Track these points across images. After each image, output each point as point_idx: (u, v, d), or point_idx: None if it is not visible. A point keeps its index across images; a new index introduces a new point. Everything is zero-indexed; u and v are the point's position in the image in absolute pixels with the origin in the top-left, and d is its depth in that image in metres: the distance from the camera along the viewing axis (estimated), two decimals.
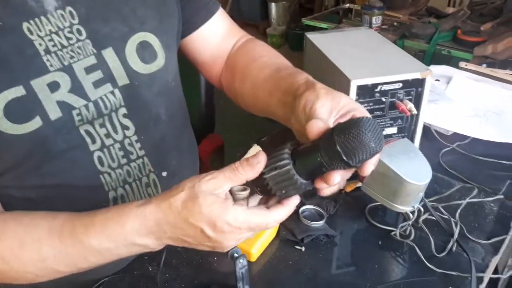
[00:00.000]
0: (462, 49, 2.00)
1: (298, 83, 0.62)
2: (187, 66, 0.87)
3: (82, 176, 0.68)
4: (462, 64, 1.45)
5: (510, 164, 0.97)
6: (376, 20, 2.10)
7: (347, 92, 0.80)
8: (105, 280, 0.72)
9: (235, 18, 1.09)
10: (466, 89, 1.21)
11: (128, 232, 0.53)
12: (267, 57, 0.77)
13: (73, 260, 0.56)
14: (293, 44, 3.51)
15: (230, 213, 0.50)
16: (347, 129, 0.48)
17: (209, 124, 1.53)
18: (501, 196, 0.87)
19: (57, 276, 0.59)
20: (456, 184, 0.92)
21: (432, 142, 1.04)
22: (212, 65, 0.84)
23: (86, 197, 0.68)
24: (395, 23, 2.20)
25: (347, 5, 2.74)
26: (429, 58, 1.98)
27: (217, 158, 1.86)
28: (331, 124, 0.53)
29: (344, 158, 0.48)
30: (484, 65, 1.50)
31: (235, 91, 0.80)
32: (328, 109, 0.54)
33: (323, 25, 2.39)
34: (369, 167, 0.51)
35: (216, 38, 0.83)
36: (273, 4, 3.62)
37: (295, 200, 0.54)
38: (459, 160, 1.00)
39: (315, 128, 0.51)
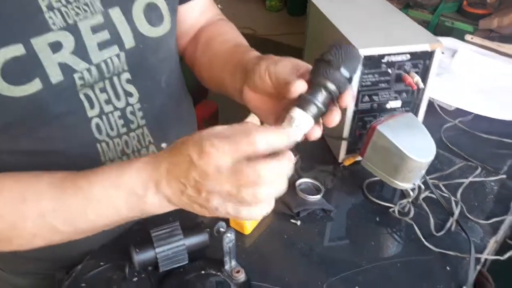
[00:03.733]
0: (466, 21, 1.95)
1: (251, 57, 0.64)
2: None
3: (78, 144, 0.64)
4: (468, 37, 1.41)
5: None
6: None
7: None
8: (94, 250, 0.70)
9: None
10: (472, 63, 1.17)
11: (128, 176, 0.50)
12: (230, 35, 0.79)
13: (72, 214, 0.53)
14: (292, 9, 3.41)
15: (216, 133, 0.46)
16: (330, 49, 0.52)
17: (203, 90, 1.48)
18: (503, 176, 0.84)
19: (54, 238, 0.55)
20: (457, 162, 0.90)
21: (434, 116, 1.01)
22: (183, 37, 0.82)
23: (81, 167, 0.64)
24: None
25: None
26: (432, 29, 1.93)
27: (211, 125, 1.83)
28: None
29: (341, 66, 0.51)
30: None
31: (194, 61, 0.80)
32: (290, 69, 0.56)
33: None
34: (348, 96, 0.53)
35: (196, 13, 0.81)
36: None
37: (296, 131, 0.51)
38: (460, 137, 0.98)
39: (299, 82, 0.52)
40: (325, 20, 0.87)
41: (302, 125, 0.51)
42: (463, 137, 0.98)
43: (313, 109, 0.51)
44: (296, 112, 0.51)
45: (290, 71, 0.56)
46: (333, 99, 0.53)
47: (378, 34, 0.80)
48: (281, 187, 0.46)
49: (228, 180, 0.44)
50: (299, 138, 0.52)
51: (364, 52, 0.75)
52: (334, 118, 0.53)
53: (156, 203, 0.50)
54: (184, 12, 0.77)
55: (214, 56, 0.74)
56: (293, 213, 0.75)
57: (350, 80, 0.52)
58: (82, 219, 0.53)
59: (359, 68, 0.53)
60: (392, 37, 0.79)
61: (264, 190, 0.45)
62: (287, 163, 0.46)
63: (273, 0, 3.50)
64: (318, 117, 0.52)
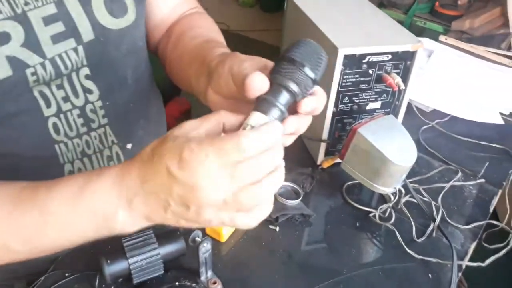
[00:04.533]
0: (438, 22, 1.97)
1: (215, 55, 0.57)
2: None
3: (33, 145, 0.59)
4: (442, 38, 1.41)
5: (489, 145, 0.94)
6: None
7: (333, 61, 0.73)
8: (59, 257, 0.65)
9: None
10: (448, 64, 1.17)
11: (91, 192, 0.43)
12: (204, 29, 0.71)
13: (28, 232, 0.46)
14: (265, 5, 3.38)
15: (195, 138, 0.40)
16: (294, 46, 0.46)
17: (175, 86, 1.43)
18: (482, 180, 0.84)
19: (5, 257, 0.48)
20: (436, 165, 0.89)
21: (412, 118, 1.00)
22: (154, 31, 0.75)
23: (37, 170, 0.59)
24: None
25: None
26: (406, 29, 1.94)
27: None
28: None
29: (305, 65, 0.45)
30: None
31: (165, 58, 0.73)
32: (256, 70, 0.48)
33: None
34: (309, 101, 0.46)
35: (169, 4, 0.75)
36: None
37: (277, 125, 0.43)
38: (438, 139, 0.97)
39: (258, 76, 0.44)
40: (304, 17, 0.84)
41: None
42: (441, 139, 0.97)
43: (275, 113, 0.44)
44: (256, 116, 0.43)
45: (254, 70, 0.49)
46: (296, 103, 0.46)
47: (359, 33, 0.78)
48: (281, 177, 0.42)
49: (221, 187, 0.38)
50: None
51: (345, 51, 0.72)
52: (301, 126, 0.48)
53: (128, 222, 0.43)
54: (155, 3, 0.73)
55: (183, 53, 0.68)
56: (271, 219, 0.72)
57: (315, 81, 0.46)
58: (41, 239, 0.46)
59: (325, 69, 0.48)
60: (373, 37, 0.77)
61: (265, 187, 0.40)
62: (280, 150, 0.42)
63: None
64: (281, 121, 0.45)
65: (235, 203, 0.39)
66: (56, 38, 0.55)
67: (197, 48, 0.64)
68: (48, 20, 0.54)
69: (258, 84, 0.43)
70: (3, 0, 0.50)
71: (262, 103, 0.44)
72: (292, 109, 0.46)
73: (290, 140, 0.49)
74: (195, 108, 2.05)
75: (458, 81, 1.12)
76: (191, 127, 0.42)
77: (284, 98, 0.45)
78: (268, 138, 0.40)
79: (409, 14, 1.96)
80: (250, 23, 3.14)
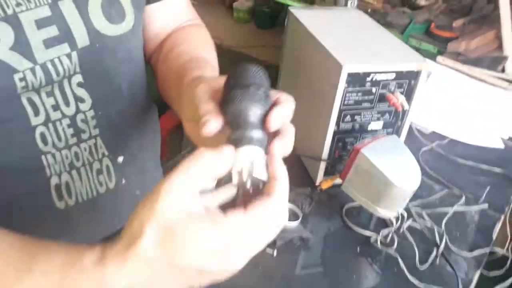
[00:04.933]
0: (433, 43, 1.97)
1: (189, 79, 0.53)
2: None
3: (18, 156, 0.55)
4: (440, 59, 1.40)
5: (489, 168, 0.92)
6: (352, 3, 2.02)
7: (336, 78, 0.71)
8: None
9: None
10: (446, 86, 1.16)
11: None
12: (192, 45, 0.68)
13: None
14: (260, 22, 3.38)
15: (219, 223, 0.35)
16: (244, 72, 0.42)
17: None
18: (485, 205, 0.81)
19: None
20: (436, 187, 0.86)
21: (412, 139, 0.98)
22: (150, 42, 0.71)
23: (22, 183, 0.55)
24: (369, 9, 2.12)
25: None
26: None
27: (175, 137, 1.73)
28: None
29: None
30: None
31: (156, 71, 0.70)
32: (203, 94, 0.45)
33: (295, 4, 2.28)
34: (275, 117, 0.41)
35: (167, 16, 0.71)
36: None
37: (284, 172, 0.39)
38: (438, 161, 0.95)
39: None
40: (306, 33, 0.81)
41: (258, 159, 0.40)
42: (441, 161, 0.95)
43: (256, 139, 0.40)
44: (243, 152, 0.39)
45: (203, 98, 0.44)
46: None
47: (363, 50, 0.76)
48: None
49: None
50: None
51: (349, 69, 0.70)
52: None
53: None
54: (153, 13, 0.69)
55: (169, 71, 0.64)
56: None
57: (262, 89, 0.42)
58: None
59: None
60: (378, 55, 0.75)
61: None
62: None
63: (240, 12, 3.45)
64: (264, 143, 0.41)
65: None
66: (49, 43, 0.52)
67: (180, 69, 0.61)
68: (41, 23, 0.51)
69: (213, 130, 0.41)
70: None
71: (239, 140, 0.40)
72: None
73: None
74: None
75: (457, 104, 1.11)
76: (187, 197, 0.36)
77: (252, 117, 0.41)
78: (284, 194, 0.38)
79: (405, 34, 1.96)
80: (244, 39, 3.13)
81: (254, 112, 0.41)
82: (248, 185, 0.39)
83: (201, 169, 0.37)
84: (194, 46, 0.68)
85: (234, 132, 0.40)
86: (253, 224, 0.36)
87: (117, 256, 0.35)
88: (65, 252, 0.38)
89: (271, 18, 3.42)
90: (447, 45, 1.78)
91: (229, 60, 0.63)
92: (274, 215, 0.37)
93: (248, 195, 0.39)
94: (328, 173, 0.82)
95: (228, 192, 0.39)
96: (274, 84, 1.01)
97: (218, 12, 3.55)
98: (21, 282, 0.37)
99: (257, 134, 0.40)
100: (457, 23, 2.01)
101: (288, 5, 2.28)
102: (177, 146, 1.73)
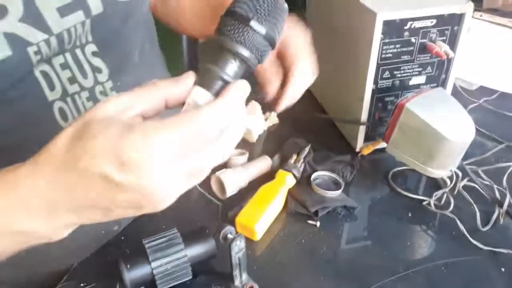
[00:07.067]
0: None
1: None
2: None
3: (39, 136, 0.51)
4: (477, 14, 1.30)
5: None
6: None
7: (370, 30, 0.64)
8: (73, 266, 0.57)
9: None
10: (488, 39, 1.07)
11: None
12: None
13: None
14: None
15: (137, 132, 0.31)
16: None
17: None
18: None
19: None
20: (489, 144, 0.79)
21: (457, 97, 0.89)
22: None
23: None
24: None
25: None
26: None
27: None
28: None
29: (250, 17, 0.35)
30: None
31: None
32: None
33: None
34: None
35: None
36: None
37: (236, 88, 0.35)
38: (488, 117, 0.87)
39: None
40: None
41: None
42: (490, 117, 0.87)
43: (218, 87, 0.36)
44: (200, 92, 0.35)
45: None
46: (251, 69, 0.38)
47: None
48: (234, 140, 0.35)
49: (179, 180, 0.32)
50: None
51: (384, 16, 0.63)
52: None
53: (55, 232, 0.35)
54: None
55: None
56: (310, 213, 0.63)
57: (268, 38, 0.37)
58: None
59: (283, 22, 0.38)
60: (414, 0, 0.68)
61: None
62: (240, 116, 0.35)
63: None
64: None
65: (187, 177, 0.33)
66: (65, 11, 0.48)
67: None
68: None
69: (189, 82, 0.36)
70: None
71: (206, 75, 0.35)
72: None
73: None
74: None
75: (502, 56, 1.02)
76: (123, 105, 0.33)
77: (231, 67, 0.36)
78: (233, 113, 0.34)
79: None
80: None
81: (240, 55, 0.36)
82: None
83: (145, 92, 0.34)
84: None
85: (207, 66, 0.36)
86: (171, 138, 0.31)
87: (32, 159, 0.34)
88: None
89: (289, 0, 3.36)
90: (482, 2, 1.67)
91: None
92: (194, 132, 0.32)
93: None
94: (368, 138, 0.75)
95: None
96: None
97: None
98: None
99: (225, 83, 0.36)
100: None
101: None
102: None
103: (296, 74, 0.55)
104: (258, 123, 0.63)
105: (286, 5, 0.38)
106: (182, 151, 0.31)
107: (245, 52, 0.36)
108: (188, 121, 0.32)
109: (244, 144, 0.68)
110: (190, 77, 0.35)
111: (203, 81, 0.35)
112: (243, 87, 0.35)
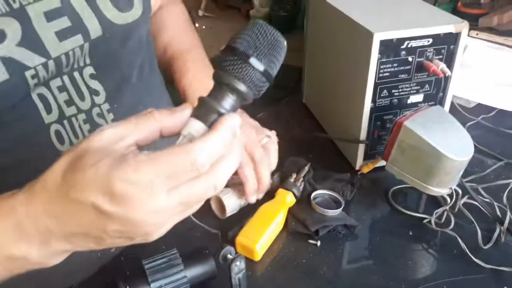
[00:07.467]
0: None
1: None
2: None
3: (36, 158, 0.51)
4: (473, 33, 1.32)
5: None
6: None
7: (368, 49, 0.65)
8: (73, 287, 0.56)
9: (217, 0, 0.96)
10: (485, 56, 1.08)
11: None
12: (172, 35, 0.72)
13: None
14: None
15: (129, 163, 0.31)
16: (240, 33, 0.37)
17: None
18: None
19: None
20: (489, 161, 0.79)
21: (455, 115, 0.90)
22: None
23: None
24: None
25: None
26: None
27: None
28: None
29: (250, 54, 0.36)
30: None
31: None
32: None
33: None
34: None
35: None
36: None
37: (230, 119, 0.35)
38: (487, 135, 0.87)
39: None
40: (330, 9, 0.76)
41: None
42: (489, 135, 0.87)
43: (214, 120, 0.35)
44: (196, 124, 0.35)
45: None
46: (247, 102, 0.38)
47: (394, 17, 0.70)
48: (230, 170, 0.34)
49: (172, 214, 0.33)
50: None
51: (381, 36, 0.64)
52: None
53: (48, 258, 0.36)
54: None
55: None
56: (310, 232, 0.62)
57: (266, 75, 0.37)
58: None
59: (283, 58, 0.38)
60: (411, 20, 0.69)
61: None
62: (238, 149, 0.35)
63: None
64: None
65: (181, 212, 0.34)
66: (63, 35, 0.48)
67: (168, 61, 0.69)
68: (51, 15, 0.48)
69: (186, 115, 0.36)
70: None
71: (202, 108, 0.36)
72: None
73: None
74: None
75: (499, 74, 1.03)
76: (118, 136, 0.33)
77: (229, 101, 0.36)
78: (226, 145, 0.34)
79: None
80: None
81: (237, 89, 0.36)
82: None
83: (141, 121, 0.34)
84: (177, 33, 0.73)
85: (205, 99, 0.36)
86: (163, 170, 0.31)
87: (28, 187, 0.34)
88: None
89: (289, 21, 3.38)
90: (478, 21, 1.69)
91: None
92: (187, 165, 0.32)
93: None
94: (367, 157, 0.75)
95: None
96: (298, 85, 0.96)
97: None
98: None
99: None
100: None
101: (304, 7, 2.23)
102: None
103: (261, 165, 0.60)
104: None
105: (285, 42, 0.38)
106: (173, 184, 0.31)
107: (242, 88, 0.36)
108: (180, 154, 0.32)
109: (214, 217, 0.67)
110: (186, 109, 0.35)
111: (199, 113, 0.35)
112: (237, 119, 0.35)
